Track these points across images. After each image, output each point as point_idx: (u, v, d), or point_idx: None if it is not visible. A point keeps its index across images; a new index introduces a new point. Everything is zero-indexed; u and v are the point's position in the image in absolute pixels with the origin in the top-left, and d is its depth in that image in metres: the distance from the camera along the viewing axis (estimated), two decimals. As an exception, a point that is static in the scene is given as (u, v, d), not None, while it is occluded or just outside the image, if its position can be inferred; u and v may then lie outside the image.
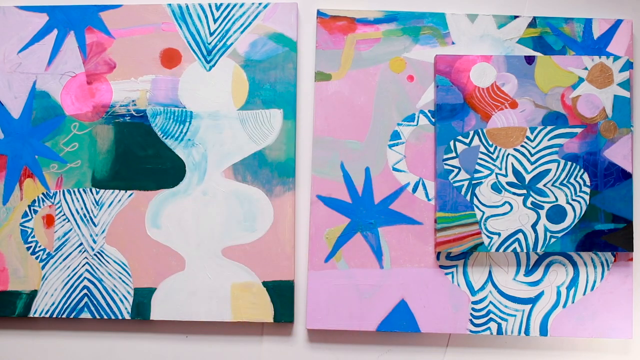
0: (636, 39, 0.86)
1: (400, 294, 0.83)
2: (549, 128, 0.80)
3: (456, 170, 0.80)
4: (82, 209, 0.85)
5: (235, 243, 0.84)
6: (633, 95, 0.85)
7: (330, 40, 0.85)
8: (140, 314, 0.84)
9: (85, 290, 0.84)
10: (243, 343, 0.85)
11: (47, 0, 0.88)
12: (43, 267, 0.84)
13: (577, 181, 0.79)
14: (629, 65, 0.81)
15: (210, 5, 0.86)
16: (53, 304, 0.84)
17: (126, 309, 0.84)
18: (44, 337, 0.87)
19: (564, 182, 0.79)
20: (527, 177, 0.80)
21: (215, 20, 0.86)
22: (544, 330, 0.82)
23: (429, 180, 0.84)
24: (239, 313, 0.83)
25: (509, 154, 0.80)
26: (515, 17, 0.85)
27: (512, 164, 0.80)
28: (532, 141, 0.80)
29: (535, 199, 0.80)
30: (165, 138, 0.85)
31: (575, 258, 0.83)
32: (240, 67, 0.85)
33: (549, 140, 0.80)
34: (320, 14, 0.85)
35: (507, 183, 0.80)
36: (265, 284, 0.83)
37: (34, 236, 0.85)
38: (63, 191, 0.85)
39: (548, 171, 0.80)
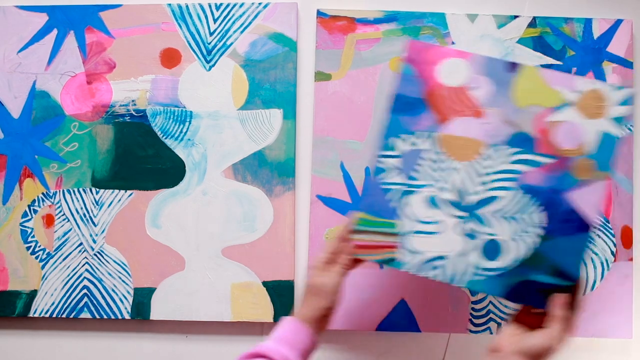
0: (636, 39, 0.87)
1: (400, 294, 0.83)
2: (513, 150, 0.66)
3: (392, 171, 0.67)
4: (82, 208, 0.85)
5: (235, 243, 0.84)
6: (633, 96, 0.85)
7: (330, 40, 0.85)
8: (140, 313, 0.84)
9: (85, 290, 0.84)
10: (243, 343, 0.85)
11: (47, 0, 0.88)
12: (43, 267, 0.84)
13: (529, 218, 0.65)
14: (631, 101, 0.66)
15: (210, 5, 0.86)
16: (53, 303, 0.84)
17: (126, 308, 0.84)
18: (44, 337, 0.87)
19: (514, 215, 0.65)
20: (472, 199, 0.66)
21: (215, 20, 0.86)
22: (544, 330, 0.82)
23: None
24: (239, 313, 0.83)
25: (458, 168, 0.66)
26: (515, 17, 0.85)
27: (459, 179, 0.66)
28: (489, 159, 0.66)
29: (474, 226, 0.66)
30: (165, 138, 0.85)
31: (575, 258, 0.83)
32: (240, 67, 0.85)
33: (509, 163, 0.66)
34: (320, 13, 0.85)
35: (447, 200, 0.66)
36: (265, 284, 0.83)
37: (33, 236, 0.85)
38: (63, 191, 0.85)
39: (498, 198, 0.66)
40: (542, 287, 0.64)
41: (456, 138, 0.67)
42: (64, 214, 0.85)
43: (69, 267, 0.84)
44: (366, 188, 0.68)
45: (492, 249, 0.66)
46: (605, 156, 0.65)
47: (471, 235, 0.66)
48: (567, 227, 0.64)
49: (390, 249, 0.67)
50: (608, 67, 0.85)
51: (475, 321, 0.83)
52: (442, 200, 0.67)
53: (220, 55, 0.85)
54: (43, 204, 0.85)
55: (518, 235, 0.65)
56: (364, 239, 0.67)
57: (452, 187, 0.66)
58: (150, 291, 0.84)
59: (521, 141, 0.66)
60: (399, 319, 0.83)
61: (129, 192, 0.85)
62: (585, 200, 0.64)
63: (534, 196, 0.65)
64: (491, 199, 0.66)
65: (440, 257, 0.66)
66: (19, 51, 0.87)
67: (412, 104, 0.67)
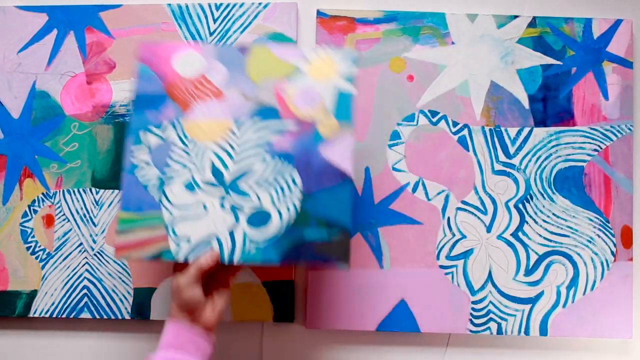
0: (636, 39, 0.87)
1: (400, 294, 0.83)
2: (257, 122, 0.69)
3: (145, 165, 0.69)
4: (82, 208, 0.85)
5: (235, 243, 0.84)
6: (633, 95, 0.85)
7: (330, 40, 0.85)
8: (140, 313, 0.84)
9: (85, 290, 0.84)
10: (243, 343, 0.85)
11: (47, 0, 0.88)
12: (43, 267, 0.84)
13: (286, 182, 0.68)
14: (356, 61, 0.71)
15: (210, 5, 0.86)
16: (53, 303, 0.84)
17: (126, 309, 0.84)
18: (44, 337, 0.87)
19: (271, 181, 0.68)
20: (228, 176, 0.68)
21: (215, 20, 0.86)
22: (543, 330, 0.82)
23: (429, 180, 0.84)
24: (239, 313, 0.83)
25: (208, 150, 0.69)
26: (515, 17, 0.85)
27: (212, 160, 0.69)
28: (237, 136, 0.69)
29: (237, 200, 0.68)
30: (165, 138, 0.85)
31: (575, 258, 0.83)
32: (240, 67, 0.85)
33: (257, 136, 0.69)
34: (320, 13, 0.85)
35: (204, 182, 0.68)
36: (265, 283, 0.83)
37: (33, 236, 0.85)
38: (63, 191, 0.85)
39: (254, 169, 0.68)
40: (316, 243, 0.67)
41: (201, 122, 0.69)
42: (64, 214, 0.85)
43: (69, 267, 0.84)
44: (124, 186, 0.68)
45: (259, 219, 0.67)
46: (344, 112, 0.69)
47: (236, 210, 0.68)
48: (323, 180, 0.68)
49: (159, 242, 0.67)
50: (608, 67, 0.85)
51: (475, 321, 0.83)
52: (200, 182, 0.68)
53: (220, 55, 0.85)
54: (43, 204, 0.85)
55: (280, 199, 0.68)
56: (130, 238, 0.67)
57: (207, 168, 0.68)
58: (150, 291, 0.84)
59: (265, 112, 0.69)
60: (399, 319, 0.83)
61: (129, 192, 0.85)
62: (335, 153, 0.68)
63: (286, 160, 0.68)
64: (247, 172, 0.68)
65: (211, 238, 0.67)
66: (19, 51, 0.87)
67: (154, 100, 0.70)
